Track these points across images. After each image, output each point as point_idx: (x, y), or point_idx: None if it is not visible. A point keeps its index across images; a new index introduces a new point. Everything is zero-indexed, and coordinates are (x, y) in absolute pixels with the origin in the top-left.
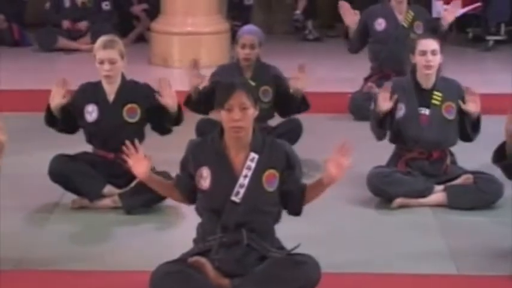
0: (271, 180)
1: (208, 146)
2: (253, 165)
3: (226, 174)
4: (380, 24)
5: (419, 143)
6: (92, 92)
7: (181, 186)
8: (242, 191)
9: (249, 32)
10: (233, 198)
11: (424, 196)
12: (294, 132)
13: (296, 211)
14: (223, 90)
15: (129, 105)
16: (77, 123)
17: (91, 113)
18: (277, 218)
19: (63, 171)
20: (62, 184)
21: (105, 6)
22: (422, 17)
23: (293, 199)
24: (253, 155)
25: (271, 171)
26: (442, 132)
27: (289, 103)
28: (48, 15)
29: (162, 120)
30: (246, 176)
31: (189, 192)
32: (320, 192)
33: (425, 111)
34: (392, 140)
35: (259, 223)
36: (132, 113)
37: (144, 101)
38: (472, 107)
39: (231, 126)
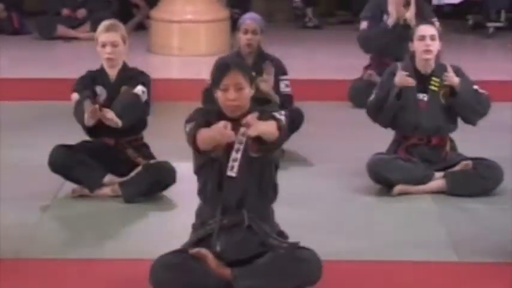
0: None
1: (218, 117)
2: (243, 139)
3: (229, 148)
4: (387, 19)
5: (419, 129)
6: (97, 75)
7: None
8: (236, 164)
9: (251, 18)
10: (229, 173)
11: (423, 183)
12: (295, 122)
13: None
14: (218, 70)
15: (123, 87)
16: None
17: (99, 95)
18: (273, 190)
19: (63, 162)
20: (62, 174)
21: None
22: (416, 10)
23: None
24: (243, 129)
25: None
26: (440, 118)
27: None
28: (48, 3)
29: None
30: (238, 150)
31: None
32: None
33: (424, 97)
34: (391, 127)
35: (257, 197)
36: None
37: (142, 84)
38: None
39: (227, 105)
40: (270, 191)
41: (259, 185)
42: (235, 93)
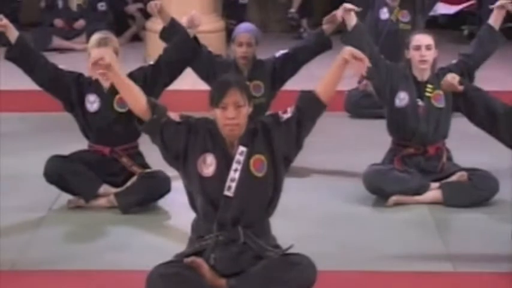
0: (258, 165)
1: (213, 135)
2: (242, 158)
3: (225, 166)
4: (385, 13)
5: (416, 134)
6: (91, 83)
7: (160, 123)
8: (234, 184)
9: (246, 30)
10: (226, 192)
11: (419, 194)
12: None
13: (322, 110)
14: (218, 89)
15: (118, 95)
16: (57, 81)
17: (92, 103)
18: (270, 209)
19: (59, 172)
20: (58, 185)
21: (101, 7)
22: (407, 4)
23: (305, 124)
24: (241, 148)
25: (257, 156)
26: (435, 123)
27: (308, 50)
28: (43, 15)
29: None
30: (236, 170)
31: (159, 130)
32: (340, 74)
33: (421, 103)
34: (391, 131)
35: (253, 215)
36: (121, 103)
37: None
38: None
39: (226, 124)
40: (270, 208)
41: (258, 204)
42: (234, 111)
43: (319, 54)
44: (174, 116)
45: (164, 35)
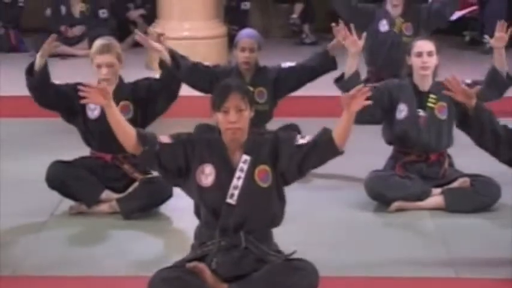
0: (263, 176)
1: (212, 145)
2: (245, 166)
3: (226, 175)
4: (384, 25)
5: (418, 145)
6: None
7: (153, 152)
8: (236, 192)
9: (248, 35)
10: (228, 200)
11: (421, 200)
12: None
13: (334, 154)
14: (219, 93)
15: (121, 103)
16: (61, 100)
17: (93, 110)
18: (275, 220)
19: (60, 178)
20: (59, 190)
21: (102, 14)
22: (411, 17)
23: (314, 158)
24: (245, 157)
25: (262, 166)
26: (437, 133)
27: (313, 69)
28: (49, 22)
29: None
30: (239, 178)
31: (155, 158)
32: (349, 126)
33: (423, 113)
34: (391, 142)
35: (256, 223)
36: (125, 111)
37: (134, 95)
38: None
39: (228, 128)
40: (276, 219)
41: (262, 213)
42: (236, 115)
43: (323, 75)
44: (164, 139)
45: (162, 63)
